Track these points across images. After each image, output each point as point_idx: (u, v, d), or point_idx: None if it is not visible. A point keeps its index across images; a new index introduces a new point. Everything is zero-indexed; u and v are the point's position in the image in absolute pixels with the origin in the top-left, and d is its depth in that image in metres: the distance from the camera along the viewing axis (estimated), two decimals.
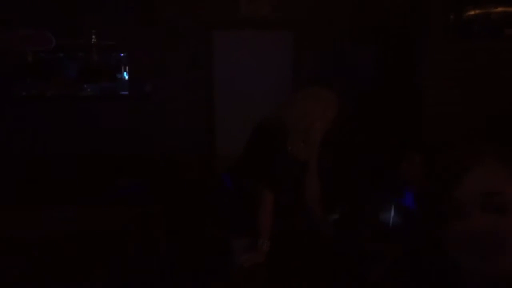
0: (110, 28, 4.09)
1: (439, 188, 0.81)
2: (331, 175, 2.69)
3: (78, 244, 3.38)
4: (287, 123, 2.22)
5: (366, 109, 4.54)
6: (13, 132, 4.30)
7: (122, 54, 4.30)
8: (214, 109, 4.63)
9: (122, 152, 4.37)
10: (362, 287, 1.68)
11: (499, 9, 3.90)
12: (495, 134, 3.22)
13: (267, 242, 2.18)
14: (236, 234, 2.40)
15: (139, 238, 2.77)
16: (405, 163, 2.46)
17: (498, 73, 3.90)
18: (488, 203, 0.74)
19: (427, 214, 0.87)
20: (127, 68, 4.36)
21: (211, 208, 2.71)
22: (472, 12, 3.93)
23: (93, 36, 3.72)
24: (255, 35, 4.59)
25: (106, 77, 4.32)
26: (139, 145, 4.41)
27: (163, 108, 4.48)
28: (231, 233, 2.43)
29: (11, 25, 3.71)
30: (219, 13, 4.45)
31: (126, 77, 4.40)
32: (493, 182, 0.75)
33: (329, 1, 4.46)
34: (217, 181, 2.70)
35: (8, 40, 3.52)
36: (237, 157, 2.46)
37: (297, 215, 2.51)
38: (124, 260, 2.62)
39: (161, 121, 4.48)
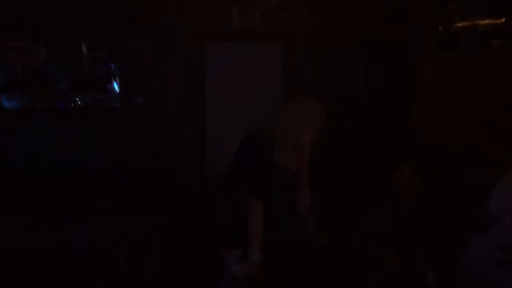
0: (101, 39, 4.09)
1: (467, 203, 0.81)
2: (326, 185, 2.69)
3: (67, 258, 3.34)
4: (275, 133, 2.23)
5: (357, 119, 4.57)
6: (2, 145, 4.26)
7: (113, 65, 4.29)
8: (205, 120, 4.63)
9: (113, 164, 4.35)
10: None
11: (486, 21, 3.96)
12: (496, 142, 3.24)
13: (258, 252, 2.17)
14: (227, 245, 2.38)
15: (129, 250, 2.73)
16: (396, 173, 2.47)
17: (487, 83, 3.95)
18: None
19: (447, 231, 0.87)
20: (117, 79, 4.35)
21: (203, 220, 2.69)
22: (459, 24, 3.99)
23: (84, 47, 3.70)
24: (246, 46, 4.62)
25: (96, 88, 4.30)
26: (130, 156, 4.38)
27: (154, 119, 4.46)
28: (222, 244, 2.42)
29: (1, 37, 3.69)
30: (211, 25, 4.47)
31: (117, 89, 4.38)
32: None
33: (319, 13, 4.51)
34: (208, 192, 2.69)
35: None
36: (227, 168, 2.45)
37: (289, 226, 2.50)
38: (115, 273, 2.59)
39: (151, 133, 4.46)
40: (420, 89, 3.98)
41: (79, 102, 4.33)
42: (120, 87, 4.36)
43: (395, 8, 4.17)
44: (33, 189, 3.88)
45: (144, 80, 4.40)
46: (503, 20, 3.92)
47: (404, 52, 4.11)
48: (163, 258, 3.09)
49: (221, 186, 2.46)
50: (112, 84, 4.34)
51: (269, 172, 2.24)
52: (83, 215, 3.50)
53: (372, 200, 2.56)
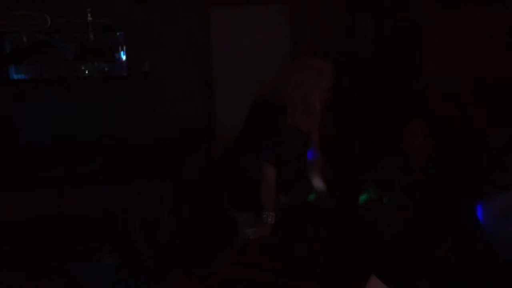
0: (106, 6, 4.02)
1: (488, 161, 0.81)
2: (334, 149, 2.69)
3: (81, 224, 3.42)
4: (284, 96, 2.21)
5: (365, 81, 4.52)
6: (12, 115, 4.28)
7: (118, 33, 4.25)
8: (212, 86, 4.61)
9: (121, 132, 4.38)
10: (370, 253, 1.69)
11: None
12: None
13: (272, 214, 2.21)
14: (240, 208, 2.42)
15: (143, 215, 2.79)
16: (407, 134, 2.46)
17: (495, 40, 3.85)
18: None
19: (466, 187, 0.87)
20: (124, 47, 4.31)
21: (214, 185, 2.73)
22: None
23: (89, 15, 3.65)
24: (251, 10, 4.54)
25: (103, 57, 4.26)
26: (139, 124, 4.40)
27: (161, 87, 4.45)
28: (235, 208, 2.45)
29: (4, 6, 3.64)
30: None
31: (124, 57, 4.35)
32: None
33: None
34: (220, 157, 2.71)
35: (3, 22, 3.47)
36: (237, 133, 2.46)
37: (301, 188, 2.53)
38: (130, 237, 2.65)
39: (159, 100, 4.46)
40: (428, 48, 3.90)
41: (86, 72, 4.31)
42: (126, 55, 4.32)
43: None
44: (42, 158, 3.94)
45: (150, 47, 4.36)
46: None
47: (411, 10, 4.02)
48: (175, 223, 3.15)
49: (233, 151, 2.47)
50: (118, 52, 4.31)
51: (281, 136, 2.24)
52: (93, 182, 3.57)
53: (382, 161, 2.56)
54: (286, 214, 2.30)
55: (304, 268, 1.92)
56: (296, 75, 2.22)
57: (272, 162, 2.23)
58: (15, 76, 4.22)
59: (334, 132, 3.77)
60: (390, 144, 2.67)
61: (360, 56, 4.55)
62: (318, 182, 2.51)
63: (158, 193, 3.16)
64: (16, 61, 4.12)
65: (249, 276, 1.99)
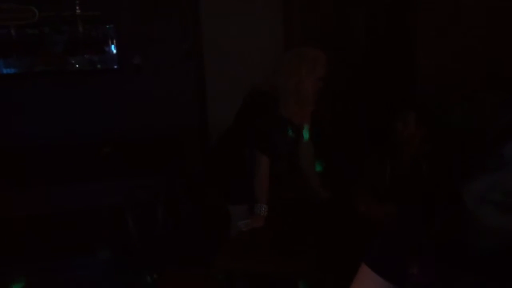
0: None
1: (483, 142, 0.80)
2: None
3: (77, 220, 3.41)
4: (277, 86, 2.21)
5: (359, 68, 4.51)
6: (1, 110, 4.24)
7: (108, 26, 4.20)
8: (205, 79, 4.58)
9: (112, 127, 4.35)
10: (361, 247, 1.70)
11: None
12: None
13: (265, 206, 2.21)
14: (233, 201, 2.42)
15: (137, 210, 2.78)
16: (399, 124, 2.46)
17: (493, 24, 3.83)
18: None
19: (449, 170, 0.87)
20: (114, 41, 4.27)
21: (208, 177, 2.72)
22: None
23: (77, 7, 3.61)
24: (244, 3, 4.49)
25: (93, 49, 4.22)
26: (130, 118, 4.38)
27: (153, 80, 4.42)
28: (228, 200, 2.45)
29: None
30: None
31: (114, 50, 4.31)
32: None
33: None
34: (212, 150, 2.70)
35: None
36: (230, 125, 2.45)
37: (294, 180, 2.53)
38: (124, 232, 2.64)
39: (151, 94, 4.43)
40: (423, 34, 3.89)
41: (77, 65, 4.27)
42: (117, 48, 4.28)
43: None
44: (33, 153, 3.91)
45: (141, 40, 4.32)
46: None
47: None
48: (169, 218, 3.15)
49: (225, 142, 2.47)
50: (109, 45, 4.27)
51: (274, 127, 2.24)
52: (84, 178, 3.55)
53: (373, 153, 2.57)
54: (278, 206, 2.30)
55: (298, 259, 1.93)
56: (289, 65, 2.21)
57: (266, 153, 2.23)
58: (4, 71, 4.17)
59: (326, 123, 3.76)
60: (381, 135, 2.67)
61: (352, 45, 4.54)
62: (310, 174, 2.51)
63: (152, 189, 3.15)
64: (4, 55, 4.08)
65: (243, 268, 2.00)
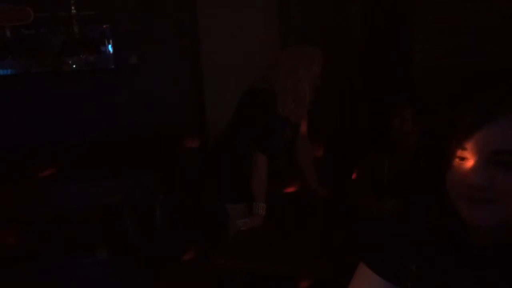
0: None
1: (448, 136, 0.80)
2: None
3: (76, 219, 3.40)
4: (274, 84, 2.20)
5: (355, 66, 4.50)
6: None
7: (104, 26, 4.18)
8: (202, 76, 4.57)
9: (110, 126, 4.34)
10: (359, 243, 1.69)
11: None
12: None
13: (263, 205, 2.20)
14: (231, 200, 2.41)
15: (136, 210, 2.77)
16: (397, 119, 2.45)
17: (489, 22, 3.83)
18: (495, 159, 0.74)
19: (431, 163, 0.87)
20: (111, 41, 4.25)
21: (207, 176, 2.71)
22: None
23: (73, 8, 3.59)
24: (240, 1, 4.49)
25: (89, 50, 4.21)
26: (127, 118, 4.36)
27: (150, 80, 4.41)
28: (226, 199, 2.44)
29: None
30: None
31: (111, 50, 4.29)
32: (506, 140, 0.74)
33: None
34: (210, 149, 2.69)
35: None
36: (228, 123, 2.44)
37: (290, 178, 2.52)
38: (122, 232, 2.63)
39: (148, 94, 4.41)
40: (420, 31, 3.88)
41: (73, 66, 4.25)
42: (113, 48, 4.27)
43: None
44: (30, 153, 3.90)
45: (138, 39, 4.30)
46: None
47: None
48: (168, 217, 3.14)
49: (222, 141, 2.46)
50: (105, 45, 4.25)
51: (271, 125, 2.23)
52: (82, 177, 3.54)
53: (370, 149, 2.56)
54: (277, 205, 2.29)
55: (298, 258, 1.92)
56: (286, 63, 2.20)
57: (264, 151, 2.22)
58: (0, 72, 4.16)
59: (324, 122, 3.76)
60: (379, 130, 2.67)
61: (350, 41, 4.52)
62: (308, 172, 2.50)
63: (150, 187, 3.14)
64: (0, 56, 4.06)
65: (242, 267, 1.99)
